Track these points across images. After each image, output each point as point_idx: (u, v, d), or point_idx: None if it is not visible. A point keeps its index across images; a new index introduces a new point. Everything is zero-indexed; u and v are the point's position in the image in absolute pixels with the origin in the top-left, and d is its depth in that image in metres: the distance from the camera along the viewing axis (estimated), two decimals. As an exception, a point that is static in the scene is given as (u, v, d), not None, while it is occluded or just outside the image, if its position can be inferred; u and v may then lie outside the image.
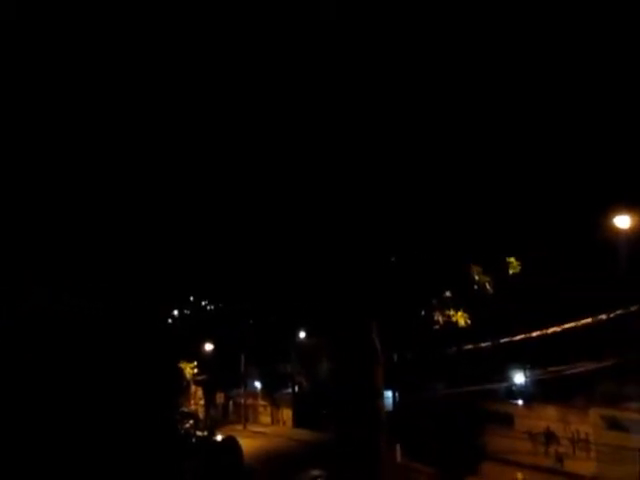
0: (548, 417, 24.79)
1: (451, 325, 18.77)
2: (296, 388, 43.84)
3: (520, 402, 26.41)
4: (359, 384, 23.22)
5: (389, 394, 28.56)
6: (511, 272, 15.12)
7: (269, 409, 46.88)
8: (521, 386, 25.51)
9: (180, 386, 50.86)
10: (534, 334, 19.24)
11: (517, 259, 14.11)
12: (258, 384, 47.50)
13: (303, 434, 37.66)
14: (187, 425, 39.77)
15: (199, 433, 37.41)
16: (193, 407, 52.15)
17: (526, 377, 24.60)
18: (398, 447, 27.40)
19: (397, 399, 30.19)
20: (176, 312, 59.70)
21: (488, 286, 15.78)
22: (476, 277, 15.71)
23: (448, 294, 17.84)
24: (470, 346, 22.27)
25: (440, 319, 18.47)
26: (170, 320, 57.76)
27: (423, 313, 19.18)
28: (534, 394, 25.45)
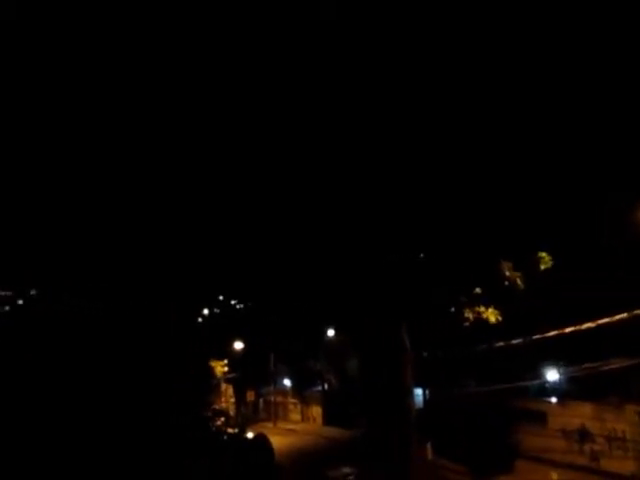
0: (583, 415, 24.30)
1: (481, 322, 18.58)
2: (325, 386, 43.92)
3: (553, 399, 25.94)
4: (388, 382, 23.21)
5: (419, 392, 28.41)
6: (543, 267, 14.88)
7: (299, 407, 47.07)
8: (554, 383, 25.05)
9: (211, 384, 51.47)
10: (567, 330, 18.88)
11: (549, 254, 13.90)
12: (288, 382, 47.73)
13: (333, 432, 37.73)
14: (218, 423, 40.20)
15: (230, 430, 37.80)
16: (224, 405, 52.70)
17: (559, 374, 24.15)
18: (429, 445, 27.26)
19: (427, 397, 30.02)
20: (206, 311, 60.46)
21: (519, 282, 15.57)
22: (507, 273, 15.51)
23: (478, 291, 17.67)
24: (501, 343, 22.00)
25: (470, 316, 18.31)
26: (200, 319, 58.53)
27: (453, 310, 19.05)
28: (568, 391, 24.98)
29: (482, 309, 18.39)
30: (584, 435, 24.28)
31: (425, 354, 27.01)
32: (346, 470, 24.70)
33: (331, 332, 41.60)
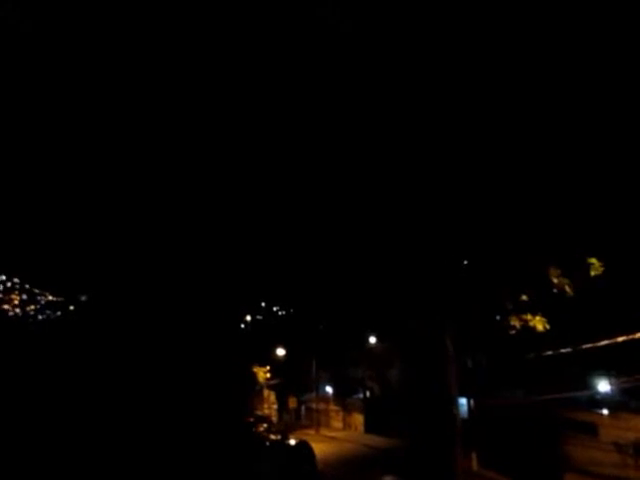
0: (637, 427, 23.34)
1: (528, 330, 18.12)
2: (367, 393, 43.69)
3: (605, 411, 25.01)
4: (432, 390, 22.91)
5: (463, 401, 27.89)
6: (593, 274, 14.40)
7: (341, 414, 46.95)
8: (605, 394, 24.15)
9: (254, 390, 52.00)
10: (620, 339, 18.22)
11: (599, 260, 13.47)
12: (329, 389, 47.72)
13: (375, 440, 37.44)
14: (261, 429, 40.52)
15: (273, 437, 38.01)
16: (266, 411, 53.14)
17: (611, 385, 23.28)
18: (474, 456, 26.69)
19: (472, 406, 29.43)
20: (249, 317, 61.20)
21: (568, 289, 15.12)
22: (555, 280, 15.09)
23: (525, 298, 17.26)
24: (549, 352, 21.40)
25: (517, 324, 17.89)
26: (243, 325, 59.28)
27: (498, 318, 18.66)
28: (620, 403, 24.05)
29: (529, 317, 17.95)
30: (639, 449, 23.31)
31: (470, 363, 26.54)
32: (388, 479, 24.46)
33: (373, 339, 41.40)
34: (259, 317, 62.06)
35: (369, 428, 41.55)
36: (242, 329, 57.86)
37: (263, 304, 63.51)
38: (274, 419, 50.35)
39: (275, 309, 63.31)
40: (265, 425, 42.68)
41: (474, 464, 26.74)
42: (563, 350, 20.78)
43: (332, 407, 48.04)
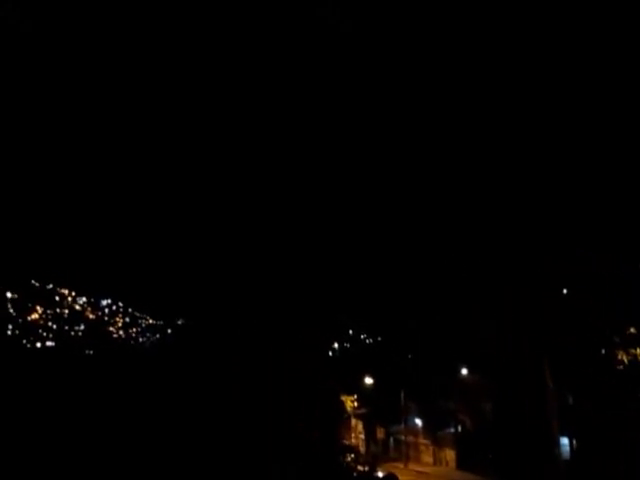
0: None
1: (638, 365, 16.62)
2: (459, 427, 41.81)
3: None
4: (530, 427, 21.50)
5: (565, 441, 25.89)
6: None
7: (431, 448, 45.17)
8: None
9: (341, 419, 51.48)
10: None
11: None
12: (418, 421, 46.18)
13: (467, 477, 35.62)
14: (348, 459, 39.96)
15: (360, 468, 37.34)
16: (354, 441, 52.30)
17: None
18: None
19: (575, 447, 27.27)
20: (336, 345, 61.14)
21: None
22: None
23: (633, 330, 15.90)
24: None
25: (624, 358, 16.48)
26: (331, 353, 59.29)
27: (604, 352, 17.28)
28: None
29: (639, 351, 16.54)
30: None
31: (571, 399, 24.69)
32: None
33: (465, 370, 39.77)
34: (347, 345, 61.84)
35: (462, 464, 39.63)
36: (330, 357, 57.83)
37: (351, 332, 63.30)
38: (361, 449, 49.42)
39: (363, 337, 62.86)
40: (352, 455, 42.00)
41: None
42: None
43: (422, 440, 46.36)
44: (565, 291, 17.07)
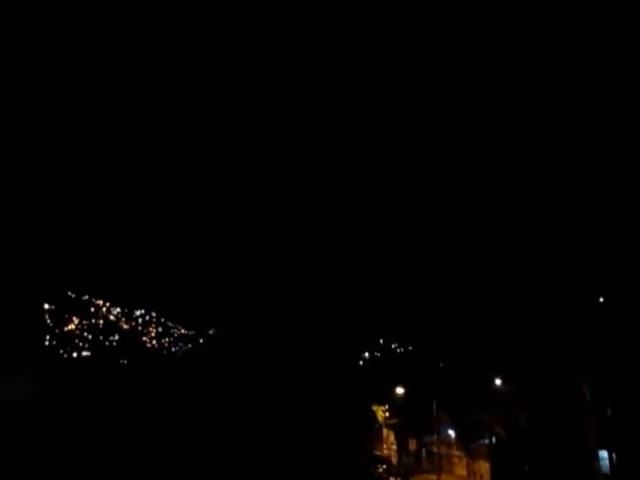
0: None
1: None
2: (493, 439, 40.85)
3: None
4: (567, 440, 20.86)
5: (604, 455, 25.02)
6: None
7: (464, 460, 44.24)
8: None
9: (372, 429, 50.95)
10: None
11: None
12: (451, 432, 45.32)
13: (503, 491, 34.76)
14: (380, 470, 39.49)
15: (392, 479, 36.87)
16: (385, 451, 51.67)
17: None
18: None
19: (615, 460, 26.34)
20: (367, 354, 60.69)
21: None
22: None
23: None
24: None
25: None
26: (361, 362, 58.88)
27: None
28: None
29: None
30: None
31: (610, 411, 23.87)
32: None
33: (498, 380, 38.93)
34: (377, 354, 61.35)
35: (496, 477, 38.69)
36: (360, 366, 57.41)
37: (381, 341, 62.78)
38: (393, 460, 48.76)
39: (393, 346, 62.26)
40: (384, 466, 41.49)
41: (620, 528, 23.73)
42: None
43: (455, 452, 45.46)
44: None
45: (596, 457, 20.94)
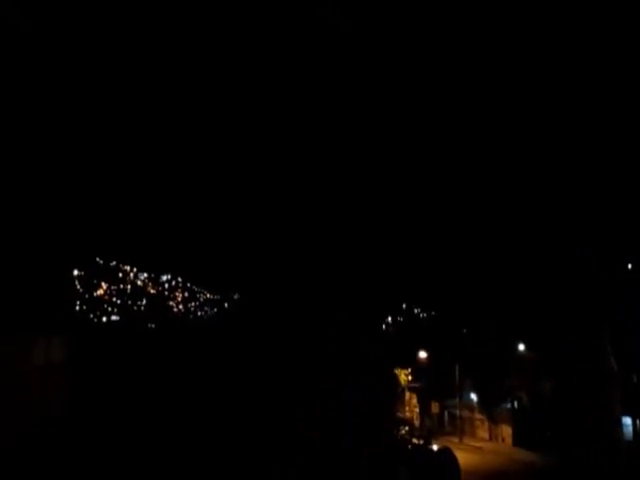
0: None
1: None
2: (515, 404, 41.19)
3: None
4: (590, 406, 20.91)
5: (628, 421, 25.06)
6: None
7: (486, 424, 44.81)
8: None
9: (395, 392, 51.72)
10: None
11: None
12: (474, 396, 45.81)
13: (524, 454, 35.16)
14: (402, 432, 40.17)
15: (415, 441, 37.49)
16: (408, 414, 52.52)
17: None
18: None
19: (639, 427, 26.37)
20: (389, 319, 61.18)
21: None
22: None
23: None
24: None
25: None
26: (384, 327, 59.42)
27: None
28: None
29: None
30: None
31: (635, 378, 23.79)
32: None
33: (522, 346, 38.97)
34: (400, 319, 61.77)
35: (518, 441, 39.15)
36: (383, 330, 57.96)
37: (404, 306, 63.09)
38: (416, 423, 49.59)
39: (416, 311, 62.56)
40: (407, 428, 42.20)
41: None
42: None
43: (477, 416, 46.02)
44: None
45: (619, 423, 20.95)
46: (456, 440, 42.64)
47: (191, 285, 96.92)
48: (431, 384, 49.22)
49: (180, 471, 19.42)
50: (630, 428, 24.82)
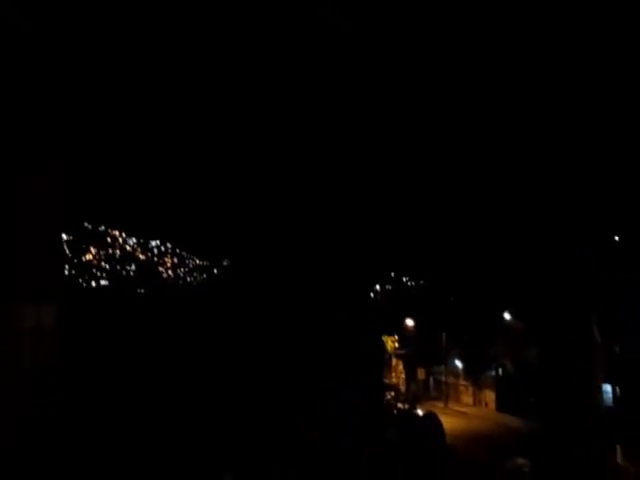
0: None
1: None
2: (499, 370, 42.21)
3: None
4: (573, 374, 21.47)
5: (608, 389, 25.82)
6: None
7: (470, 389, 45.97)
8: None
9: (382, 358, 52.64)
10: None
11: None
12: (459, 363, 46.83)
13: (507, 419, 36.24)
14: (388, 397, 41.03)
15: (400, 405, 38.37)
16: (394, 380, 53.62)
17: None
18: (618, 448, 24.75)
19: (618, 394, 27.19)
20: (377, 287, 61.74)
21: None
22: None
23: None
24: None
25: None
26: (372, 294, 60.01)
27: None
28: None
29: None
30: None
31: (618, 349, 24.41)
32: (520, 461, 23.54)
33: (508, 315, 39.67)
34: (388, 287, 62.36)
35: (501, 406, 40.30)
36: (371, 298, 58.58)
37: (392, 274, 63.64)
38: (401, 388, 50.69)
39: (405, 280, 63.15)
40: (392, 393, 43.14)
41: (619, 457, 24.84)
42: None
43: (462, 382, 47.16)
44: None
45: (600, 391, 21.57)
46: (441, 405, 43.72)
47: (180, 251, 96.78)
48: (417, 351, 50.15)
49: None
50: (610, 395, 25.62)
